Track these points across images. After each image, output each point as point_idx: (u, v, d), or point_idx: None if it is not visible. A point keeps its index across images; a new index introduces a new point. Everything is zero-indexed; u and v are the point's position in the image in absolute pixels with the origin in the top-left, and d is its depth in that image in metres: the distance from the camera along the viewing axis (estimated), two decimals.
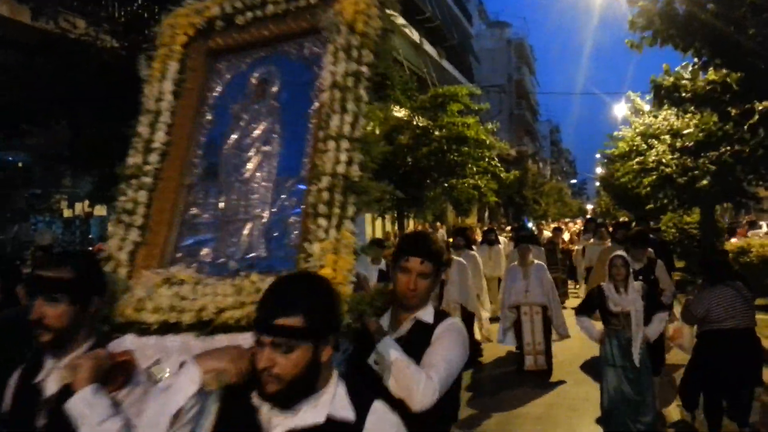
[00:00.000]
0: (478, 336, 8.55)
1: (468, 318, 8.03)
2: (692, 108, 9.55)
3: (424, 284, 2.25)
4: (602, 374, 5.29)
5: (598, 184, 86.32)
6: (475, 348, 8.20)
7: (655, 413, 5.29)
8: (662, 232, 13.95)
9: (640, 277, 5.91)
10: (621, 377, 5.08)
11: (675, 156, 13.68)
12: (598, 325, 5.41)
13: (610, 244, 11.58)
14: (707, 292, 5.31)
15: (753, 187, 13.81)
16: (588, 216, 67.44)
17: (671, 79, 7.62)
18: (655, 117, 15.26)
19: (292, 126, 2.36)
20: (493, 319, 9.22)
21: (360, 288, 2.91)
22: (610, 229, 15.50)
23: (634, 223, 14.18)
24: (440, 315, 2.29)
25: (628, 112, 17.52)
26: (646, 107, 16.62)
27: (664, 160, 14.02)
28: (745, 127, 7.31)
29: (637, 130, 16.18)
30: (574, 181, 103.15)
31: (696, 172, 12.96)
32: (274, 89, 2.48)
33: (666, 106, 14.55)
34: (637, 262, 6.26)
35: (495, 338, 8.42)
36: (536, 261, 7.96)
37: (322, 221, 2.02)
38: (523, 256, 7.83)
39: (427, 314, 2.27)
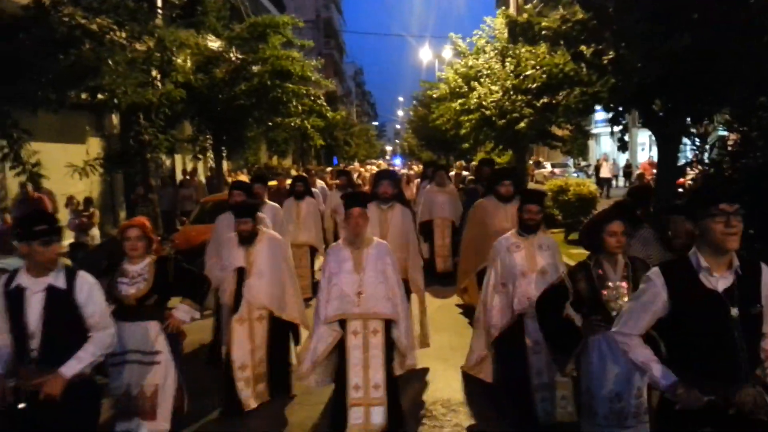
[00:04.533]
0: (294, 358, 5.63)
1: (285, 332, 5.38)
2: (533, 49, 9.69)
3: None
4: None
5: (399, 126, 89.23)
6: (285, 374, 5.42)
7: None
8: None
9: None
10: None
11: (494, 99, 14.05)
12: None
13: (449, 189, 9.78)
14: (643, 235, 4.73)
15: (562, 129, 14.84)
16: (388, 157, 69.93)
17: (525, 16, 7.46)
18: (476, 60, 15.54)
19: None
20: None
21: None
22: (457, 172, 14.70)
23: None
24: None
25: (451, 53, 17.72)
26: (448, 55, 16.93)
27: (484, 103, 14.39)
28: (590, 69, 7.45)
29: (459, 72, 16.42)
30: (375, 123, 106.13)
31: (514, 114, 13.49)
32: None
33: (488, 49, 15.06)
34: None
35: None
36: (377, 240, 4.63)
37: None
38: (355, 231, 4.42)
39: None
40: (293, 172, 20.95)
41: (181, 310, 4.17)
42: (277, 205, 7.67)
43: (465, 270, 6.65)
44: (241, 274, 5.08)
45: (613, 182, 24.09)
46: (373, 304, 4.40)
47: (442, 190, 9.76)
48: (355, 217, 4.39)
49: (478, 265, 5.93)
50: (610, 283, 3.51)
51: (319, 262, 8.85)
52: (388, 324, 4.48)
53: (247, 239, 5.12)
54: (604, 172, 24.21)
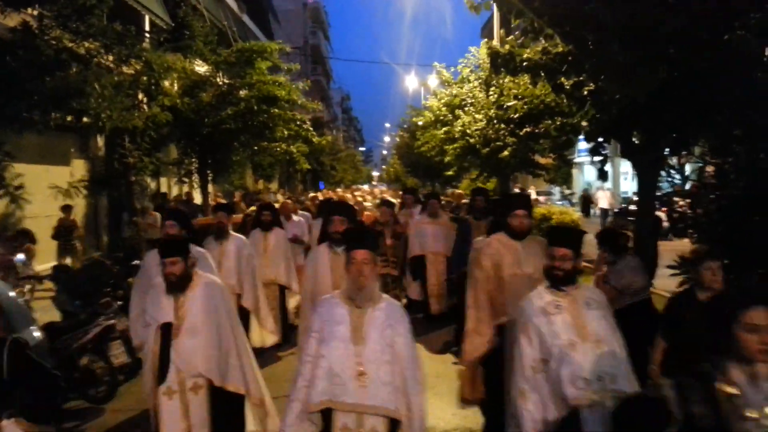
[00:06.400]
0: None
1: (235, 405, 4.07)
2: (516, 79, 9.88)
3: None
4: None
5: (385, 152, 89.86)
6: None
7: None
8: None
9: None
10: None
11: (479, 127, 14.26)
12: None
13: (442, 221, 8.90)
14: (628, 263, 5.13)
15: (545, 157, 15.09)
16: (374, 183, 70.07)
17: (507, 47, 7.63)
18: (461, 89, 15.81)
19: None
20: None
21: None
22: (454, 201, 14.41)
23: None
24: None
25: (436, 82, 18.03)
26: (434, 83, 17.21)
27: (468, 131, 14.61)
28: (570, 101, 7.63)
29: (443, 101, 16.68)
30: (362, 148, 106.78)
31: (498, 143, 13.70)
32: None
33: (472, 78, 15.33)
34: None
35: None
36: (387, 298, 3.33)
37: None
38: (358, 282, 3.17)
39: None
40: (279, 197, 20.96)
41: (9, 430, 2.89)
42: (243, 237, 6.93)
43: (475, 330, 4.86)
44: (169, 331, 3.83)
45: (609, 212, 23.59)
46: (373, 393, 3.07)
47: (434, 221, 8.79)
48: (359, 263, 3.16)
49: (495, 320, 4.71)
50: (752, 414, 2.11)
51: (294, 300, 8.01)
52: (393, 422, 3.20)
53: (177, 285, 3.85)
54: (603, 203, 22.54)
